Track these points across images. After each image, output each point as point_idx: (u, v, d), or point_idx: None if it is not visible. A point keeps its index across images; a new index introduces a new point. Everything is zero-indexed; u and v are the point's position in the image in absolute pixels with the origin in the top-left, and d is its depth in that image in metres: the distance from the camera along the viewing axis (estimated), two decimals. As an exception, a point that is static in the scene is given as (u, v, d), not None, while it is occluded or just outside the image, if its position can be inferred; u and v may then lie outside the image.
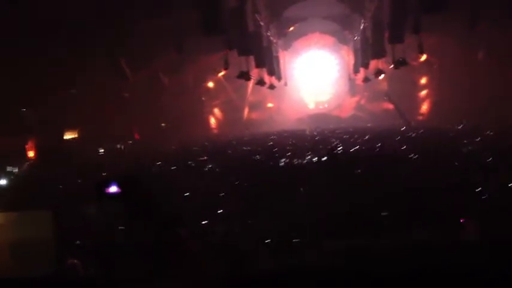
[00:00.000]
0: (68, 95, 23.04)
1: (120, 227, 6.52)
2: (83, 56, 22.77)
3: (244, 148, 22.17)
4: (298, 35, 40.20)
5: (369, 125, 36.57)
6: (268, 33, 30.33)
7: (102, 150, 23.90)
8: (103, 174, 12.70)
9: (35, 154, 21.67)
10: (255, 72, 28.16)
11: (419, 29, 19.41)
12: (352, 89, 44.21)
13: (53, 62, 21.21)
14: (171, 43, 22.60)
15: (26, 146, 21.57)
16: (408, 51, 24.12)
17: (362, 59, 31.46)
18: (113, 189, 2.08)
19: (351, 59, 38.82)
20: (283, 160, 14.49)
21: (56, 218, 4.55)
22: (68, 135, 25.60)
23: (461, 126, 26.15)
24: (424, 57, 29.87)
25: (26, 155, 21.43)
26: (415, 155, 14.05)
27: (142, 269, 5.49)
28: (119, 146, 26.71)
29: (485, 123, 24.48)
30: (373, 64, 30.04)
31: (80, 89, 23.94)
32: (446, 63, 37.22)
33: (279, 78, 35.82)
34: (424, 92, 40.22)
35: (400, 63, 24.40)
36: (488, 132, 20.63)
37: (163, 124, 33.44)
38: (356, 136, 24.38)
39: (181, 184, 10.14)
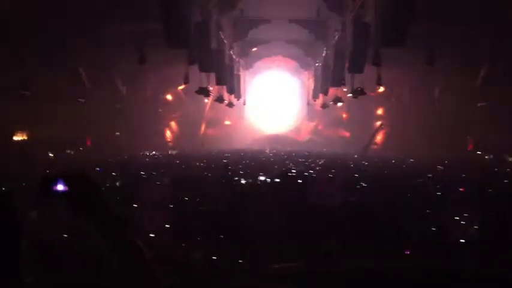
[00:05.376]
0: (21, 96, 22.41)
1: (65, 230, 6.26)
2: (39, 57, 22.25)
3: (198, 164, 21.98)
4: (261, 56, 40.45)
5: (324, 149, 37.01)
6: (231, 52, 30.40)
7: (52, 155, 23.26)
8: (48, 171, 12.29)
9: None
10: (214, 89, 28.10)
11: (379, 61, 19.78)
12: (310, 114, 44.78)
13: (7, 61, 20.64)
14: (132, 52, 22.32)
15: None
16: (367, 82, 24.57)
17: (322, 86, 31.88)
18: (60, 187, 1.89)
19: (311, 84, 39.31)
20: (236, 179, 14.37)
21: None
22: (18, 137, 24.84)
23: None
24: (382, 89, 30.50)
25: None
26: (367, 183, 14.19)
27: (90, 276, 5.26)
28: (69, 151, 26.07)
29: (437, 156, 25.14)
30: (332, 91, 30.51)
31: (35, 91, 23.33)
32: (404, 96, 38.36)
33: (238, 96, 35.85)
34: (379, 122, 41.12)
35: (357, 93, 24.82)
36: (438, 167, 21.13)
37: (117, 133, 32.92)
38: (311, 160, 24.54)
39: (129, 195, 9.87)
